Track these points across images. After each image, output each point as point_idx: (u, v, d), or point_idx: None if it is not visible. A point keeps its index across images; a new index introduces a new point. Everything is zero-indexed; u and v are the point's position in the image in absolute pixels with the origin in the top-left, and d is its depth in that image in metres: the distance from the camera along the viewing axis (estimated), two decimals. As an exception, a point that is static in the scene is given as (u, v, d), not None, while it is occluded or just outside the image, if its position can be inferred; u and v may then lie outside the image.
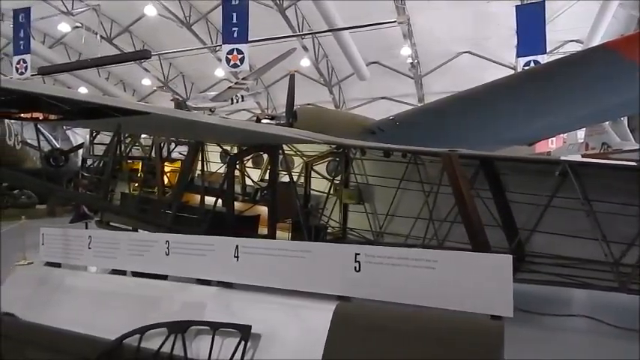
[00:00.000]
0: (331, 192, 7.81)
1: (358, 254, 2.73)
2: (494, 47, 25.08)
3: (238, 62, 17.36)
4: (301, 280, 2.94)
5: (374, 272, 2.70)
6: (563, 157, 8.37)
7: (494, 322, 2.44)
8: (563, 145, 20.19)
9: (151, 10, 25.54)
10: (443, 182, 6.07)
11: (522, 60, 15.91)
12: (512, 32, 19.25)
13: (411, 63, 26.62)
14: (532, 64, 15.20)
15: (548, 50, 16.24)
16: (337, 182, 7.80)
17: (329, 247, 3.10)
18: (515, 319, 2.47)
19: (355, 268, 2.74)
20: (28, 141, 26.81)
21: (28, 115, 5.16)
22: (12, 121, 22.86)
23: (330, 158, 8.20)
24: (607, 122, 15.22)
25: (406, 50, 25.12)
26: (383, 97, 31.04)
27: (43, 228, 4.50)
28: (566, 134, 18.83)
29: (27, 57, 21.36)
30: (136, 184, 9.20)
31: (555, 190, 5.58)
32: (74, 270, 4.45)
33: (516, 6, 16.79)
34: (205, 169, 8.19)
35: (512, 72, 22.12)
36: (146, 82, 34.72)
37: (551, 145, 21.08)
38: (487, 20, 23.66)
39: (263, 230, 7.23)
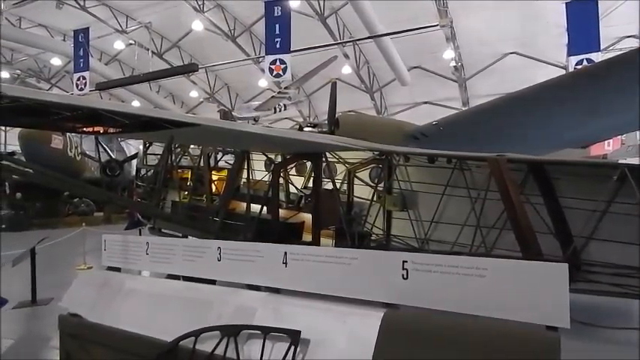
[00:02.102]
0: (374, 199, 7.79)
1: (405, 262, 2.73)
2: (543, 47, 24.09)
3: (281, 72, 17.73)
4: (348, 286, 2.97)
5: (422, 280, 2.69)
6: (621, 161, 7.91)
7: (549, 332, 2.35)
8: (622, 147, 19.00)
9: (198, 25, 26.63)
10: (490, 188, 5.92)
11: (574, 59, 15.20)
12: (561, 30, 18.45)
13: (455, 66, 26.08)
14: (585, 63, 14.48)
15: (602, 47, 15.42)
16: (380, 189, 7.77)
17: (376, 254, 3.11)
18: (570, 330, 2.38)
19: (403, 275, 2.74)
20: (87, 152, 28.63)
21: (90, 129, 5.54)
22: (72, 134, 24.51)
23: (372, 165, 8.19)
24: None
25: (449, 53, 24.66)
26: (425, 102, 30.57)
27: (104, 234, 4.80)
28: (624, 135, 17.74)
29: (86, 74, 22.83)
30: (186, 193, 9.61)
31: (613, 195, 5.29)
32: (133, 274, 4.73)
33: (566, 3, 16.07)
34: (251, 178, 8.43)
35: (562, 72, 21.20)
36: (194, 94, 36.14)
37: (607, 148, 19.88)
38: (534, 19, 22.80)
39: (307, 237, 7.32)
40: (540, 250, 4.97)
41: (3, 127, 37.07)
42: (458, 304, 2.60)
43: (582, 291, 5.23)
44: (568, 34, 15.69)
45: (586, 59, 14.72)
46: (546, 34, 23.18)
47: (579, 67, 14.30)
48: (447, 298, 2.63)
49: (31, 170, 5.63)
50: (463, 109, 25.29)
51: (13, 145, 27.13)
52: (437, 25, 21.44)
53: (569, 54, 15.65)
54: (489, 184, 5.99)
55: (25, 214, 23.96)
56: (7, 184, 23.08)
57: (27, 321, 7.65)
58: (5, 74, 34.52)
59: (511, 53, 25.89)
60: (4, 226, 22.80)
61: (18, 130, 23.12)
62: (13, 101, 3.27)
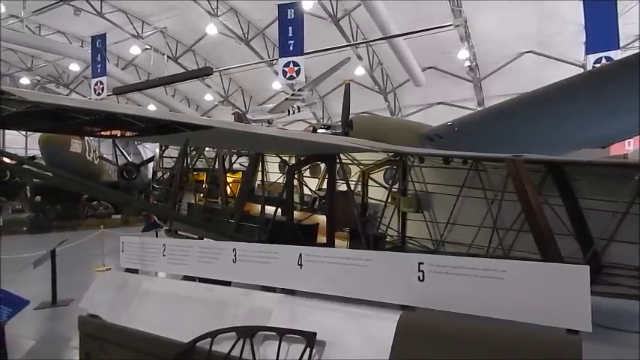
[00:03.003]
0: (389, 200, 7.75)
1: (422, 263, 2.71)
2: (560, 45, 23.69)
3: (294, 74, 17.79)
4: (364, 288, 2.96)
5: (438, 282, 2.66)
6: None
7: (571, 336, 2.30)
8: (643, 146, 18.52)
9: (212, 29, 26.91)
10: (507, 189, 5.84)
11: (592, 57, 14.89)
12: (579, 28, 18.16)
13: (469, 66, 25.84)
14: (604, 61, 14.18)
15: (621, 45, 15.08)
16: (395, 190, 7.73)
17: (391, 255, 3.09)
18: (592, 334, 2.32)
19: (419, 277, 2.72)
20: (105, 156, 29.15)
21: (107, 133, 5.63)
22: (91, 138, 24.98)
23: (387, 166, 8.16)
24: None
25: (464, 53, 24.44)
26: (440, 103, 30.34)
27: (122, 236, 4.88)
28: (645, 134, 17.27)
29: (103, 79, 23.26)
30: (201, 195, 9.70)
31: (635, 196, 5.17)
32: (150, 276, 4.79)
33: (584, 0, 15.77)
34: (265, 180, 8.47)
35: (580, 70, 20.81)
36: (208, 97, 36.51)
37: (627, 147, 19.41)
38: (550, 17, 22.44)
39: (321, 239, 7.32)
40: (559, 252, 4.88)
41: (24, 132, 38.00)
42: (475, 306, 2.56)
43: (603, 294, 5.11)
44: (586, 32, 15.39)
45: (605, 57, 14.41)
46: (563, 32, 22.81)
47: (598, 65, 14.01)
48: (465, 300, 2.60)
49: (50, 174, 5.76)
50: (478, 109, 25.00)
51: (34, 150, 27.78)
52: (451, 25, 21.27)
53: (588, 52, 15.33)
54: (506, 186, 5.92)
55: (45, 216, 24.50)
56: (27, 187, 23.63)
57: (48, 321, 7.81)
58: (26, 80, 35.40)
59: (527, 52, 25.53)
60: (25, 228, 23.37)
61: (38, 134, 23.70)
62: (33, 106, 3.34)
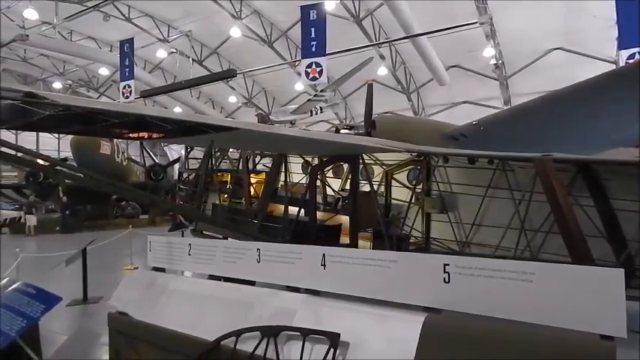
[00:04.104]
0: (412, 201, 7.67)
1: (447, 265, 2.67)
2: (590, 41, 22.91)
3: (317, 75, 17.81)
4: (388, 289, 2.94)
5: (465, 284, 2.61)
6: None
7: (605, 342, 2.21)
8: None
9: (236, 32, 27.24)
10: (536, 189, 5.70)
11: (625, 53, 14.34)
12: (610, 23, 17.51)
13: (495, 64, 25.28)
14: (637, 57, 13.64)
15: (656, 40, 14.45)
16: (419, 191, 7.64)
17: (416, 256, 3.05)
18: (626, 340, 2.23)
19: (444, 279, 2.67)
20: (132, 157, 29.92)
21: (135, 135, 5.77)
22: (119, 140, 25.69)
23: (410, 166, 8.07)
24: None
25: (489, 51, 23.94)
26: (464, 102, 29.82)
27: (150, 236, 4.99)
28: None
29: (131, 82, 23.85)
30: (225, 195, 9.83)
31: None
32: (176, 275, 4.89)
33: (616, -6, 15.21)
34: (288, 180, 8.51)
35: (612, 67, 20.09)
36: (232, 99, 36.98)
37: (664, 146, 18.59)
38: (579, 12, 21.74)
39: (344, 240, 7.31)
40: (591, 254, 4.73)
41: (56, 135, 39.37)
42: (503, 310, 2.50)
43: (638, 298, 4.92)
44: (618, 27, 14.83)
45: (638, 52, 13.87)
46: (592, 27, 22.05)
47: (631, 61, 13.49)
48: (492, 303, 2.54)
49: (82, 175, 5.94)
50: (504, 108, 24.45)
51: (66, 152, 28.74)
52: (476, 23, 20.88)
53: (620, 47, 14.79)
54: (534, 186, 5.77)
55: (76, 216, 25.30)
56: (60, 188, 24.45)
57: (79, 318, 8.06)
58: (58, 85, 36.67)
59: (555, 49, 24.81)
60: (57, 228, 24.20)
61: (70, 137, 24.51)
62: (65, 109, 3.45)
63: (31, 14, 23.71)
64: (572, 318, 2.31)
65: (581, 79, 6.94)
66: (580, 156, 6.01)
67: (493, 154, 6.45)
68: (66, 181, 22.11)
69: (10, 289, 5.96)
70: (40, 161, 5.28)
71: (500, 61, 25.56)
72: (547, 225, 5.73)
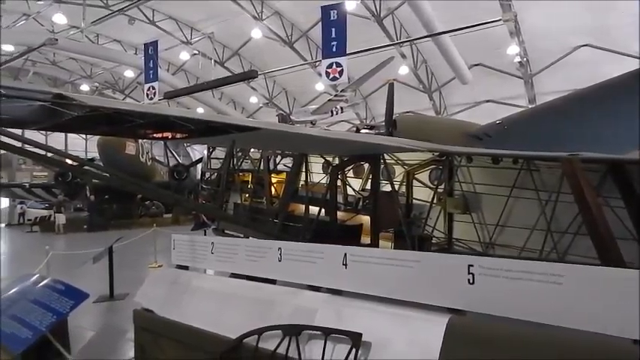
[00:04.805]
0: (434, 201, 7.58)
1: (472, 265, 2.62)
2: (618, 38, 22.14)
3: (337, 75, 17.75)
4: (410, 290, 2.90)
5: (490, 285, 2.55)
6: None
7: (637, 347, 2.13)
8: None
9: (257, 33, 27.48)
10: (562, 190, 5.55)
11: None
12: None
13: (520, 62, 24.72)
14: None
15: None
16: (441, 191, 7.55)
17: (439, 257, 3.01)
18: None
19: (469, 280, 2.63)
20: (156, 157, 30.52)
21: (159, 135, 5.87)
22: (144, 140, 26.23)
23: (432, 166, 7.98)
24: None
25: (513, 49, 23.44)
26: (488, 101, 29.27)
27: (174, 235, 5.08)
28: None
29: (155, 84, 24.29)
30: (247, 195, 9.92)
31: None
32: (199, 273, 4.96)
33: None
34: (309, 180, 8.53)
35: (644, 63, 19.38)
36: (253, 99, 37.29)
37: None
38: (607, 8, 21.04)
39: (365, 240, 7.27)
40: (621, 256, 4.57)
41: (84, 136, 40.48)
42: (530, 312, 2.44)
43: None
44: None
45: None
46: (621, 24, 21.31)
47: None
48: (518, 305, 2.47)
49: (108, 174, 6.09)
50: (529, 107, 23.90)
51: (93, 152, 29.53)
52: (500, 20, 20.47)
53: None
54: (561, 186, 5.62)
55: (102, 215, 25.97)
56: (87, 187, 25.13)
57: (106, 314, 8.26)
58: (86, 87, 37.72)
59: (582, 46, 24.10)
60: (85, 226, 24.89)
61: (96, 138, 25.18)
62: (93, 110, 3.54)
63: (59, 19, 24.47)
64: (603, 322, 2.23)
65: (608, 77, 6.74)
66: (609, 155, 5.82)
67: (519, 154, 6.32)
68: (93, 180, 22.75)
69: (40, 285, 6.17)
70: (69, 161, 5.44)
71: (524, 59, 24.99)
72: (574, 226, 5.58)
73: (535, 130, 8.19)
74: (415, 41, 25.59)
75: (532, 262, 2.57)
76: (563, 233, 5.78)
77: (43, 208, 31.50)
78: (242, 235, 8.20)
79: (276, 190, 9.47)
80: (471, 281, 2.63)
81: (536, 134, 8.12)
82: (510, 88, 27.46)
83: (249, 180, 10.15)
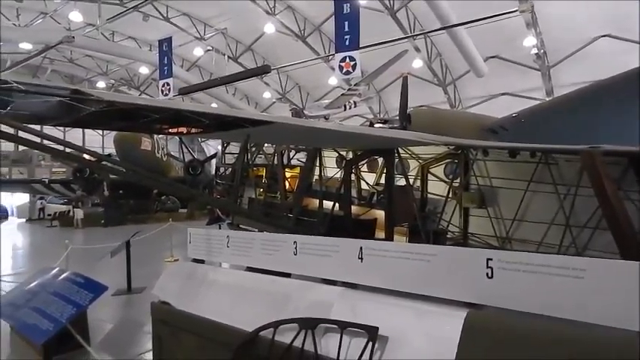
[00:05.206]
0: (450, 195, 7.51)
1: (490, 259, 2.58)
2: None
3: (350, 69, 17.63)
4: (427, 284, 2.88)
5: (509, 279, 2.51)
6: None
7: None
8: None
9: (270, 28, 27.48)
10: (582, 184, 5.44)
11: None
12: (664, 7, 16.40)
13: (537, 54, 24.22)
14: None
15: None
16: (456, 185, 7.47)
17: (457, 250, 2.97)
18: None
19: (487, 274, 2.59)
20: (172, 153, 30.85)
21: (174, 130, 5.92)
22: (159, 136, 26.52)
23: (447, 160, 7.90)
24: None
25: (530, 40, 22.97)
26: (503, 94, 28.80)
27: (190, 228, 5.13)
28: None
29: (170, 80, 24.49)
30: (261, 190, 9.97)
31: None
32: (215, 266, 5.00)
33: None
34: (323, 175, 8.52)
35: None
36: (267, 94, 37.36)
37: None
38: (629, -4, 20.44)
39: (379, 234, 7.25)
40: (643, 251, 4.46)
41: (101, 132, 41.11)
42: (550, 306, 2.39)
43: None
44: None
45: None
46: (645, 12, 20.68)
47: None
48: (539, 300, 2.43)
49: (124, 170, 6.17)
50: (547, 99, 23.45)
51: (109, 149, 29.99)
52: (516, 11, 20.07)
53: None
54: (580, 180, 5.52)
55: (119, 210, 26.38)
56: (105, 183, 25.55)
57: (124, 307, 8.41)
58: (102, 84, 38.25)
59: (602, 36, 23.49)
60: (102, 221, 25.33)
61: (113, 134, 25.54)
62: (109, 105, 3.57)
63: (76, 17, 24.80)
64: (627, 317, 2.18)
65: (629, 68, 6.55)
66: (631, 148, 5.67)
67: (536, 147, 6.21)
68: (110, 176, 23.12)
69: (60, 278, 6.30)
70: (87, 156, 5.52)
71: (542, 51, 24.49)
72: (594, 221, 5.47)
73: (553, 123, 8.04)
74: (429, 34, 25.27)
75: (553, 255, 2.51)
76: (582, 228, 5.67)
77: (62, 204, 32.14)
78: (257, 230, 8.24)
79: (290, 184, 9.49)
80: (490, 275, 2.59)
81: (554, 127, 7.97)
82: (527, 80, 26.96)
83: (264, 175, 10.20)
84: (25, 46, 26.32)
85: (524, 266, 2.47)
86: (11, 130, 3.93)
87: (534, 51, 23.98)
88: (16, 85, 2.98)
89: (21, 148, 35.03)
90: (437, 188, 7.84)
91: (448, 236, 7.36)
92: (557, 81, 26.04)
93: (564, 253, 5.63)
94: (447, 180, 7.76)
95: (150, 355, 5.11)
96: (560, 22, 22.83)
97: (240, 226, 9.49)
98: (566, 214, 5.80)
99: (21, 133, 4.22)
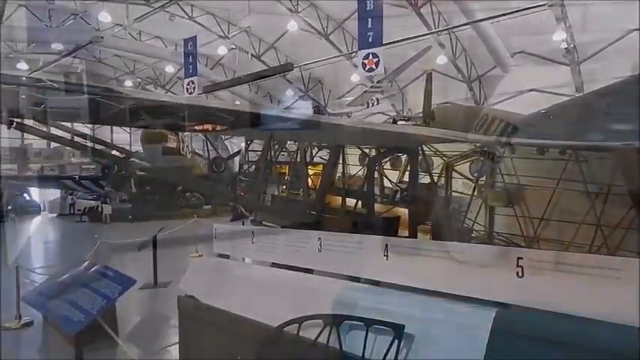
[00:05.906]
0: (475, 194, 7.37)
1: (521, 258, 2.52)
2: (678, 20, 20.58)
3: (374, 66, 17.47)
4: (455, 282, 2.83)
5: (540, 279, 2.45)
6: None
7: None
8: None
9: (292, 26, 27.54)
10: (615, 182, 5.26)
11: None
12: None
13: (566, 48, 23.47)
14: None
15: None
16: (482, 183, 7.33)
17: (486, 249, 2.92)
18: None
19: (517, 273, 2.53)
20: (196, 150, 31.35)
21: (200, 128, 6.01)
22: (184, 134, 26.97)
23: (473, 158, 7.75)
24: None
25: (560, 34, 22.28)
26: (531, 90, 28.02)
27: (215, 224, 5.20)
28: None
29: (194, 79, 24.81)
30: (284, 187, 10.01)
31: None
32: (240, 262, 5.06)
33: None
34: (346, 172, 8.49)
35: None
36: (289, 92, 37.47)
37: None
38: (666, -12, 19.57)
39: (402, 232, 7.18)
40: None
41: (128, 130, 42.05)
42: (583, 307, 2.31)
43: None
44: None
45: None
46: (683, 4, 19.77)
47: None
48: (571, 300, 2.35)
49: (151, 166, 6.29)
50: (576, 95, 22.72)
51: (136, 146, 30.65)
52: (544, 5, 19.51)
53: None
54: (613, 177, 5.33)
55: (145, 206, 26.94)
56: (132, 179, 26.12)
57: (151, 300, 8.60)
58: (129, 83, 39.12)
59: (635, 30, 22.58)
60: (129, 216, 25.93)
61: (140, 132, 26.09)
62: (137, 103, 3.65)
63: (105, 17, 25.43)
64: (665, 320, 2.10)
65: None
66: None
67: (568, 144, 6.02)
68: (137, 172, 23.65)
69: (91, 271, 6.49)
70: (116, 153, 5.66)
71: (571, 45, 23.72)
72: (627, 220, 5.27)
73: (583, 120, 7.78)
74: (454, 29, 24.82)
75: (587, 255, 2.44)
76: (615, 228, 5.48)
77: (91, 199, 33.05)
78: (280, 227, 8.28)
79: (312, 182, 9.49)
80: (520, 274, 2.53)
81: (585, 124, 7.71)
82: (555, 76, 26.14)
83: (286, 172, 10.23)
84: (57, 46, 27.15)
85: (555, 265, 2.40)
86: (44, 128, 4.06)
87: (564, 46, 23.25)
88: (50, 83, 3.07)
89: (53, 145, 36.16)
90: (462, 186, 7.71)
91: (473, 235, 7.23)
92: (587, 76, 25.18)
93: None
94: (472, 178, 7.62)
95: (176, 348, 5.21)
96: (590, 16, 22.07)
97: (264, 222, 9.55)
98: (597, 213, 5.61)
99: (53, 130, 4.36)
